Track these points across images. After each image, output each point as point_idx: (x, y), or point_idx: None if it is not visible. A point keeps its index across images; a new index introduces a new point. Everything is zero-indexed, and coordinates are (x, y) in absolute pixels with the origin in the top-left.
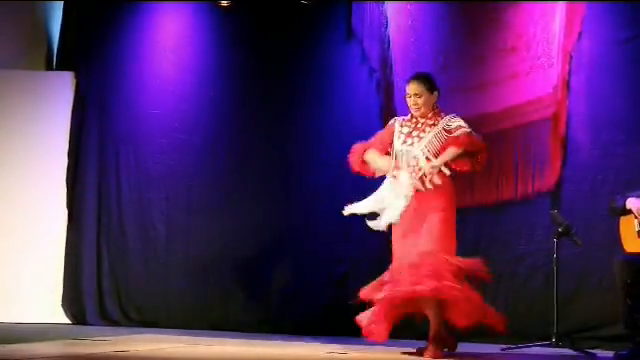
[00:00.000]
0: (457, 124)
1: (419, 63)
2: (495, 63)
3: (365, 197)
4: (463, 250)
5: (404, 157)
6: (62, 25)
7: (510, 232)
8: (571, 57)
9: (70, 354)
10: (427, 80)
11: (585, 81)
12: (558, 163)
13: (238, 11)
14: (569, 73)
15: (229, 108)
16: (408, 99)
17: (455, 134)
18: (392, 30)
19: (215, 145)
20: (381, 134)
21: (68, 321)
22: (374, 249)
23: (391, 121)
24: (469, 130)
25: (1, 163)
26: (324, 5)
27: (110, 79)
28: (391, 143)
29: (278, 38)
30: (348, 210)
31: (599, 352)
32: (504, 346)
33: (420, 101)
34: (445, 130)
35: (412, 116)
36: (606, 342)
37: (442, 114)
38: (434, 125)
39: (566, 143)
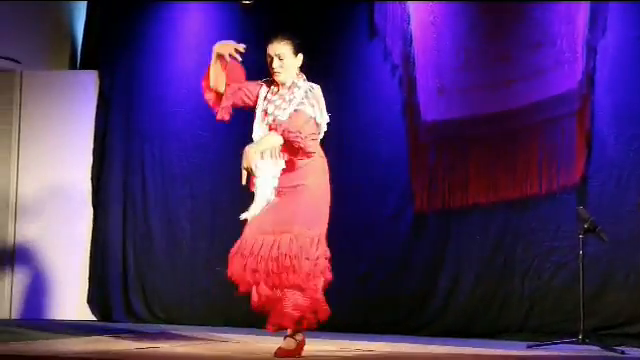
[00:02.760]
0: (302, 107)
1: (441, 59)
2: (519, 59)
3: (388, 192)
4: (488, 247)
5: (264, 124)
6: (85, 24)
7: (535, 228)
8: (596, 52)
9: (96, 351)
10: (292, 40)
11: (609, 76)
12: (583, 159)
13: (260, 10)
14: (594, 68)
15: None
16: (268, 60)
17: (289, 123)
18: (414, 26)
19: (238, 143)
20: (244, 85)
21: (94, 318)
22: (397, 246)
23: (257, 83)
24: (309, 116)
25: (27, 163)
26: (346, 3)
27: (134, 77)
28: (256, 98)
29: (300, 35)
30: (244, 216)
31: (626, 349)
32: (530, 343)
33: (284, 64)
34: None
35: (275, 84)
36: (633, 339)
37: (300, 82)
38: (289, 102)
39: (591, 138)
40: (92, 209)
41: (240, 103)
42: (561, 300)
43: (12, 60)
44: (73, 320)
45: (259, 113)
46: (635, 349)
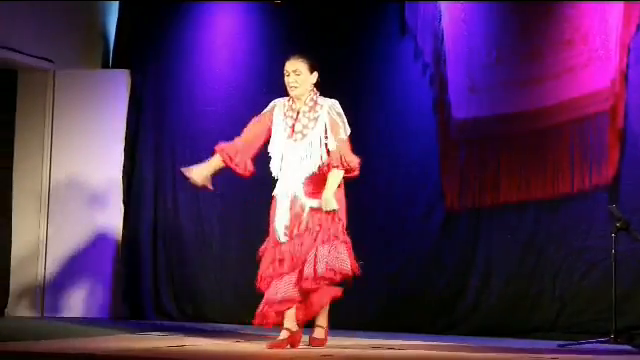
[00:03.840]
0: (338, 135)
1: (472, 57)
2: (551, 56)
3: (419, 191)
4: (519, 246)
5: (289, 154)
6: (118, 24)
7: (567, 227)
8: (629, 49)
9: (127, 348)
10: (308, 58)
11: None
12: (616, 157)
13: (291, 9)
14: (627, 66)
15: None
16: (286, 77)
17: (340, 155)
18: (445, 23)
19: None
20: (255, 126)
21: (125, 316)
22: (427, 245)
23: (270, 105)
24: (345, 137)
25: (60, 160)
26: (377, 2)
27: (165, 77)
28: (269, 130)
29: (330, 35)
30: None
31: None
32: (561, 342)
33: (299, 79)
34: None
35: (292, 101)
36: None
37: (319, 99)
38: (315, 120)
39: (624, 137)
40: (123, 207)
41: (261, 144)
42: (593, 299)
43: (45, 59)
44: (104, 318)
45: (281, 130)
46: None
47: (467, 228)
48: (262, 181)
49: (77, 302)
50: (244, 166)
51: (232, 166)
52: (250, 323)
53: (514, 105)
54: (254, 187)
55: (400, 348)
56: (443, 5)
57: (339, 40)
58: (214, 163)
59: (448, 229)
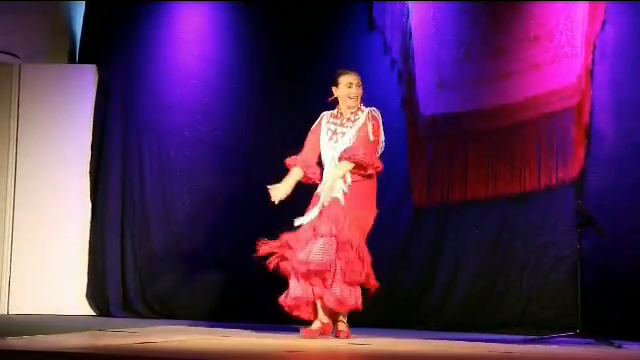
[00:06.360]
0: (367, 132)
1: (440, 54)
2: (517, 53)
3: (387, 186)
4: (486, 241)
5: (329, 153)
6: (85, 18)
7: (533, 223)
8: (595, 46)
9: (94, 346)
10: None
11: (609, 70)
12: (582, 153)
13: (260, 4)
14: (593, 62)
15: (251, 100)
16: (348, 88)
17: (352, 148)
18: (413, 20)
19: (237, 137)
20: (310, 139)
21: (92, 313)
22: (395, 240)
23: (319, 118)
24: (372, 139)
25: (26, 156)
26: None
27: (133, 72)
28: (318, 139)
29: (299, 30)
30: (298, 222)
31: (623, 343)
32: (527, 337)
33: (360, 91)
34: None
35: (338, 111)
36: (631, 333)
37: (362, 107)
38: (355, 122)
39: (590, 133)
40: (90, 203)
41: (319, 152)
42: (559, 294)
43: (10, 54)
44: (72, 315)
45: (324, 135)
46: (632, 343)
47: (435, 223)
48: (230, 176)
49: (45, 299)
50: (318, 175)
51: (310, 176)
52: (216, 319)
53: (482, 101)
54: (222, 182)
55: (366, 343)
56: (412, 2)
57: (307, 36)
58: (294, 177)
59: (416, 225)
